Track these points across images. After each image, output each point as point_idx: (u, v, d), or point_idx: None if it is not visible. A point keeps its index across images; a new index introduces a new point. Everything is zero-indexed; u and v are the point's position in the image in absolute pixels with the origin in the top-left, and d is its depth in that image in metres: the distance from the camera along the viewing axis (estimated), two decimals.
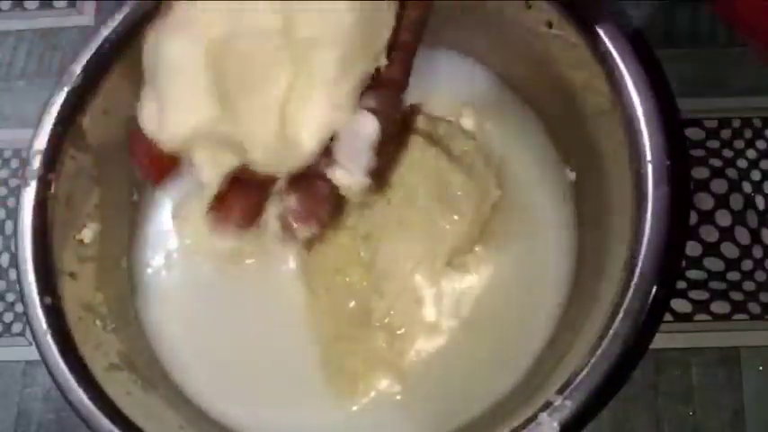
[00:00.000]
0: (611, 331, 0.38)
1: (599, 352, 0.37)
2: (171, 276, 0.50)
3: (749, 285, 0.52)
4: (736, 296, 0.52)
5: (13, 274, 0.57)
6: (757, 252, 0.53)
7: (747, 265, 0.53)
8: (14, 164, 0.60)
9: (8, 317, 0.56)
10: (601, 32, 0.41)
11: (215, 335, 0.48)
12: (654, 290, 0.38)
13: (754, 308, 0.52)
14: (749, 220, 0.54)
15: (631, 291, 0.38)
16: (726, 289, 0.52)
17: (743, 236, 0.53)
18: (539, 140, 0.50)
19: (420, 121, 0.48)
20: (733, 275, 0.53)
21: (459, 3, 0.46)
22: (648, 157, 0.39)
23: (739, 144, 0.55)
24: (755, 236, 0.53)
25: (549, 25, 0.44)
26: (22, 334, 0.56)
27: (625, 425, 0.50)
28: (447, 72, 0.52)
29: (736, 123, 0.56)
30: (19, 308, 0.56)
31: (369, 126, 0.37)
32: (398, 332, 0.47)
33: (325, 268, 0.47)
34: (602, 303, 0.39)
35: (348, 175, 0.37)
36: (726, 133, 0.56)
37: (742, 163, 0.55)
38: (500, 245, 0.48)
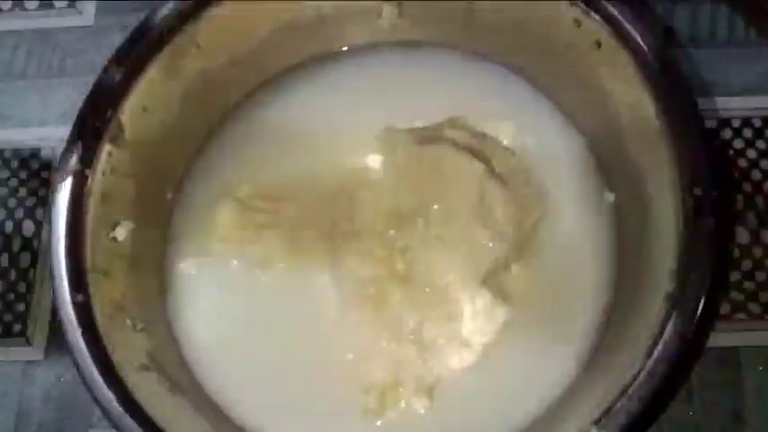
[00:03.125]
0: (649, 362, 0.37)
1: (639, 379, 0.37)
2: (202, 278, 0.49)
3: (749, 285, 0.52)
4: (737, 296, 0.52)
5: (13, 275, 0.56)
6: (757, 252, 0.53)
7: (747, 265, 0.53)
8: (14, 164, 0.59)
9: (8, 317, 0.55)
10: (648, 52, 0.42)
11: (243, 341, 0.48)
12: (696, 318, 0.38)
13: (755, 308, 0.52)
14: (749, 220, 0.54)
15: (672, 323, 0.38)
16: (726, 289, 0.52)
17: (743, 236, 0.53)
18: (580, 157, 0.49)
19: (463, 136, 0.47)
20: (733, 275, 0.53)
21: (505, 19, 0.46)
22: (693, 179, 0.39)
23: (739, 144, 0.55)
24: (755, 236, 0.53)
25: (598, 44, 0.44)
26: (22, 334, 0.55)
27: None
28: (488, 86, 0.51)
29: (736, 123, 0.56)
30: (19, 308, 0.55)
31: None
32: (430, 347, 0.46)
33: (359, 279, 0.46)
34: (641, 329, 0.39)
35: None
36: (726, 133, 0.56)
37: (742, 163, 0.55)
38: (537, 264, 0.47)
